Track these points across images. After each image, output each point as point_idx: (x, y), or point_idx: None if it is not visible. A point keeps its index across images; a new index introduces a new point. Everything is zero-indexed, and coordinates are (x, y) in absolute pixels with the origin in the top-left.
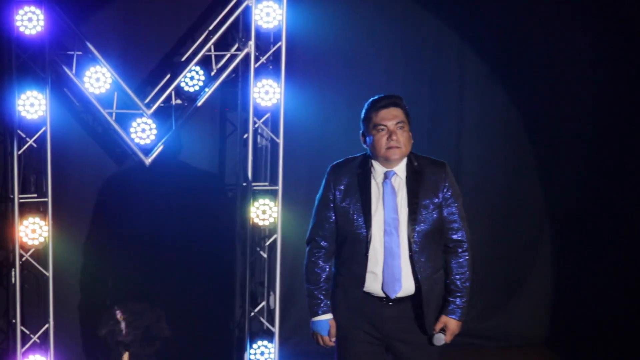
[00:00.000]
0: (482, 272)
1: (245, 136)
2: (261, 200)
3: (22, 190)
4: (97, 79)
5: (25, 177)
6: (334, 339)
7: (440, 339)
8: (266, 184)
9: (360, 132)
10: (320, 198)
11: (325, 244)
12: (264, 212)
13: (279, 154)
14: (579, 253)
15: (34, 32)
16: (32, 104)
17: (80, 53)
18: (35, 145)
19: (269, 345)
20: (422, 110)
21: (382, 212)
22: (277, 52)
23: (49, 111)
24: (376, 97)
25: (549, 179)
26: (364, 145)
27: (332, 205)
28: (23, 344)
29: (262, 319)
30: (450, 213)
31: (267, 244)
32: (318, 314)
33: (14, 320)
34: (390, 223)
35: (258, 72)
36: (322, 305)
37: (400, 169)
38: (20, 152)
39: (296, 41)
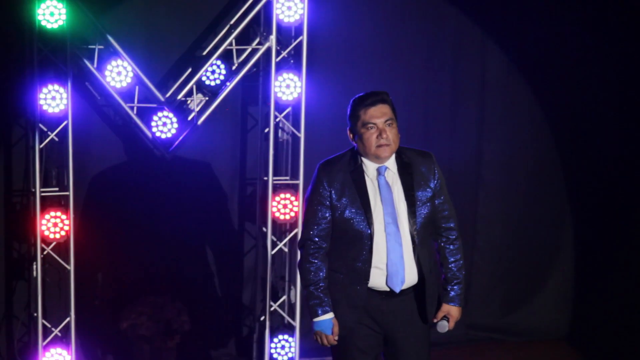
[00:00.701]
0: (503, 268)
1: (267, 130)
2: (282, 195)
3: (44, 184)
4: (119, 72)
5: (46, 171)
6: (337, 337)
7: (444, 326)
8: (287, 178)
9: (348, 128)
10: (314, 198)
11: (322, 243)
12: (285, 206)
13: (300, 148)
14: (600, 248)
15: (55, 25)
16: (53, 98)
17: (101, 47)
18: (56, 139)
19: (290, 339)
20: (444, 106)
21: (381, 207)
22: (299, 47)
23: (70, 105)
24: (363, 94)
25: (571, 176)
26: (351, 142)
27: (328, 203)
28: (44, 337)
29: (282, 313)
30: (441, 202)
31: (288, 238)
32: (321, 314)
33: (35, 314)
34: (390, 218)
35: (279, 66)
36: (323, 304)
37: (391, 163)
38: (41, 145)
39: (317, 35)
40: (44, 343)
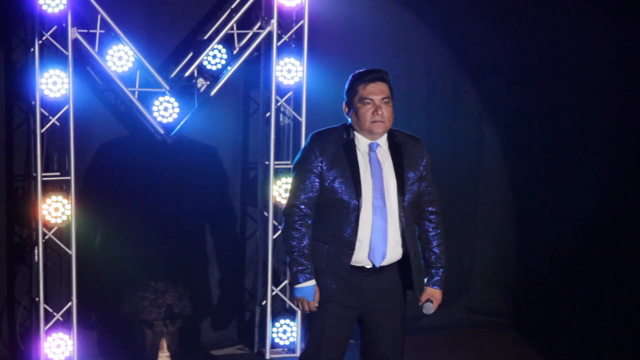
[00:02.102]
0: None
1: (268, 115)
2: (283, 179)
3: (45, 169)
4: (120, 57)
5: (48, 155)
6: (317, 304)
7: (430, 308)
8: (288, 162)
9: (344, 102)
10: (304, 166)
11: (307, 211)
12: (287, 190)
13: (301, 133)
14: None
15: (56, 10)
16: (54, 83)
17: (102, 31)
18: (58, 123)
19: (291, 323)
20: (446, 87)
21: (370, 181)
22: (300, 31)
23: (72, 90)
24: (363, 70)
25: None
26: (346, 116)
27: (318, 172)
28: (46, 322)
29: (284, 298)
30: (427, 185)
31: None
32: (303, 281)
33: (37, 299)
34: (378, 193)
35: (280, 50)
36: (306, 271)
37: (383, 141)
38: (43, 130)
39: (319, 19)
40: (46, 328)
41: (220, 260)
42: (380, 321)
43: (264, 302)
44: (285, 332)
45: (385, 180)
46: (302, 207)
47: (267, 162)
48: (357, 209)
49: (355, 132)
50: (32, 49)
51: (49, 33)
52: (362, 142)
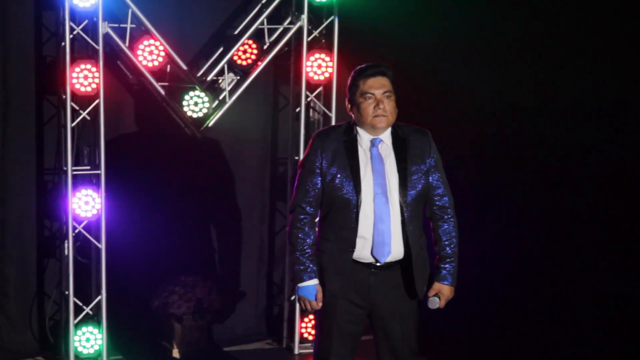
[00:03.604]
0: None
1: (298, 110)
2: None
3: (76, 163)
4: (151, 51)
5: (78, 149)
6: (320, 304)
7: (435, 302)
8: None
9: (346, 99)
10: (306, 165)
11: (310, 210)
12: None
13: None
14: None
15: (87, 4)
16: (85, 77)
17: (133, 26)
18: (88, 117)
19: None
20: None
21: (371, 177)
22: (330, 26)
23: (102, 84)
24: (364, 66)
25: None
26: (349, 113)
27: (318, 171)
28: (76, 315)
29: None
30: (435, 179)
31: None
32: (305, 280)
33: (67, 292)
34: (379, 188)
35: (310, 45)
36: (308, 270)
37: (386, 137)
38: (73, 124)
39: (349, 15)
40: (75, 321)
41: (249, 255)
42: (389, 318)
43: (292, 297)
44: (315, 327)
45: (387, 176)
46: (304, 205)
47: (296, 158)
48: (357, 206)
49: (358, 129)
50: (63, 43)
51: (80, 27)
52: (364, 138)
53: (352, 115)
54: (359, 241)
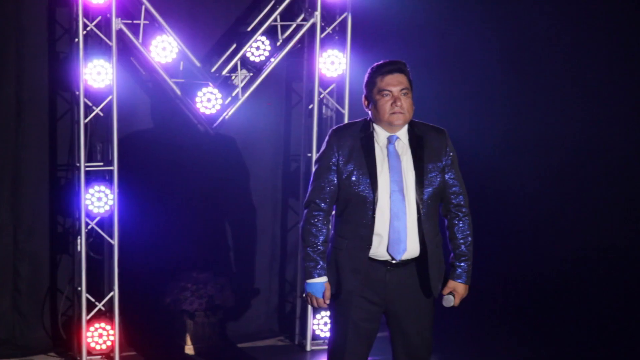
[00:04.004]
0: None
1: (311, 107)
2: None
3: (88, 159)
4: (164, 48)
5: (91, 145)
6: (327, 301)
7: (449, 301)
8: None
9: (363, 95)
10: (322, 161)
11: (325, 206)
12: None
13: None
14: None
15: (101, 1)
16: (98, 73)
17: (146, 22)
18: (101, 113)
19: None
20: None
21: (388, 174)
22: (343, 23)
23: (115, 80)
24: (381, 62)
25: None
26: (366, 109)
27: (334, 168)
28: (88, 311)
29: None
30: (451, 178)
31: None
32: (314, 277)
33: (79, 288)
34: (396, 186)
35: (324, 42)
36: (318, 267)
37: (403, 134)
38: (86, 120)
39: (362, 11)
40: (88, 317)
41: (261, 252)
42: (405, 315)
43: (304, 294)
44: (327, 324)
45: (404, 173)
46: (318, 201)
47: (309, 154)
48: (373, 203)
49: (374, 126)
50: (76, 40)
51: (94, 23)
52: (381, 135)
53: (369, 112)
54: (375, 238)
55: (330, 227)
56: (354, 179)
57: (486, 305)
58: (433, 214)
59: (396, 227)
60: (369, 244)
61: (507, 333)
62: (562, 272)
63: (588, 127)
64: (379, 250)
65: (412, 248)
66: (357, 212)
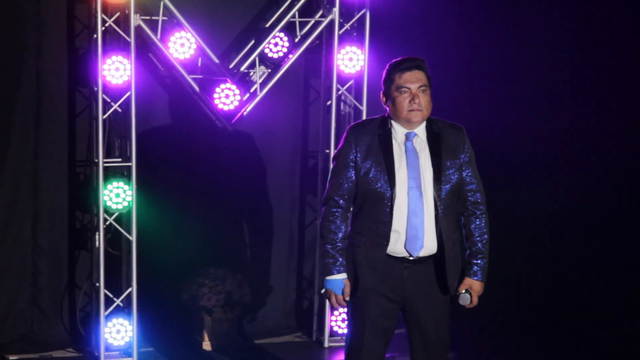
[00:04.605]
0: None
1: (329, 103)
2: None
3: (107, 155)
4: (182, 44)
5: (109, 141)
6: (347, 298)
7: (466, 299)
8: None
9: (381, 92)
10: (340, 157)
11: (343, 203)
12: None
13: None
14: None
15: None
16: (117, 69)
17: (165, 18)
18: (119, 110)
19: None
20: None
21: (405, 171)
22: (362, 19)
23: (134, 76)
24: (399, 59)
25: None
26: (384, 106)
27: (352, 164)
28: (106, 307)
29: None
30: (468, 175)
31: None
32: (334, 274)
33: (97, 284)
34: (413, 182)
35: (342, 38)
36: (337, 264)
37: (421, 131)
38: (105, 116)
39: (380, 8)
40: (106, 313)
41: (279, 248)
42: (423, 312)
43: (322, 291)
44: (344, 320)
45: (422, 170)
46: (337, 198)
47: (327, 151)
48: (391, 199)
49: (392, 122)
50: (95, 36)
51: (112, 19)
52: (399, 132)
53: (387, 109)
54: (392, 235)
55: (348, 223)
56: (371, 175)
57: (505, 304)
58: (450, 211)
59: (413, 223)
60: (386, 240)
61: (526, 332)
62: (587, 273)
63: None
64: (396, 247)
65: (429, 245)
66: (375, 209)
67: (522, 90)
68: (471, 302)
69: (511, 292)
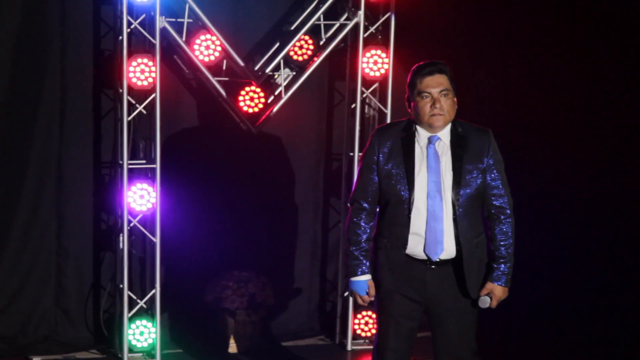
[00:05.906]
0: None
1: (353, 106)
2: None
3: (131, 157)
4: (207, 46)
5: (134, 143)
6: (372, 299)
7: (485, 302)
8: None
9: (405, 96)
10: (364, 160)
11: (367, 205)
12: None
13: None
14: None
15: None
16: (142, 71)
17: (190, 21)
18: (144, 111)
19: (374, 316)
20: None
21: (426, 175)
22: (386, 23)
23: (159, 78)
24: (422, 63)
25: None
26: (409, 110)
27: (375, 167)
28: (130, 308)
29: None
30: (493, 179)
31: None
32: (358, 275)
33: (121, 285)
34: (434, 186)
35: (367, 42)
36: (362, 266)
37: (444, 134)
38: (129, 118)
39: (405, 11)
40: (130, 314)
41: (302, 251)
42: (446, 314)
43: (345, 294)
44: (367, 323)
45: (442, 174)
46: (362, 200)
47: (351, 154)
48: (410, 202)
49: (416, 126)
50: (120, 37)
51: (138, 21)
52: (422, 136)
53: (412, 112)
54: (412, 238)
55: (373, 225)
56: (392, 178)
57: (535, 308)
58: (471, 215)
59: (433, 227)
60: (404, 243)
61: (550, 336)
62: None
63: None
64: (417, 249)
65: (449, 248)
66: (395, 212)
67: (544, 91)
68: (490, 305)
69: (540, 297)
